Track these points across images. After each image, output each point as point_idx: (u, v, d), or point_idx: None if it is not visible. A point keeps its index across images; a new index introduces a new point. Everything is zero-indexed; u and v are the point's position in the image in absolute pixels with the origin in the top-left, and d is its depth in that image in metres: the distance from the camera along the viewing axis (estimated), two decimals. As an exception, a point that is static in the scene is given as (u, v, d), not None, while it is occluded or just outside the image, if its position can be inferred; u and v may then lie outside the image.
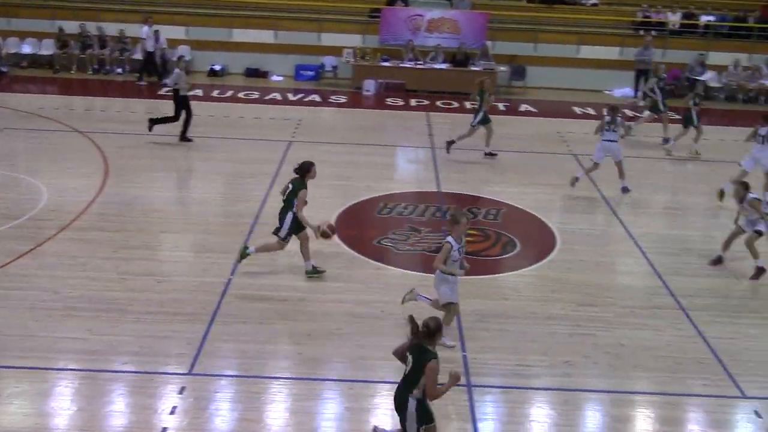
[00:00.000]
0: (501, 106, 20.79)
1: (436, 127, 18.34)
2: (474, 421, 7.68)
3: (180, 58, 17.25)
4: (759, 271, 11.09)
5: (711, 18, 23.46)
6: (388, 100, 21.15)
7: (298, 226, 10.06)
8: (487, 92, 15.62)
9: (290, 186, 10.11)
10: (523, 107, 20.78)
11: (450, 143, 15.83)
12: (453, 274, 8.63)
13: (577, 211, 13.55)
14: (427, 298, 9.09)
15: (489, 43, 22.57)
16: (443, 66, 22.12)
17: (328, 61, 22.77)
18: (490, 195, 13.92)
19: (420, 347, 6.29)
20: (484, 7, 23.30)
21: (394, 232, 12.05)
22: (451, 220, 8.78)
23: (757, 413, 8.05)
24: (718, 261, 11.49)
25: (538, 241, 12.21)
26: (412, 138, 17.63)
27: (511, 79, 22.66)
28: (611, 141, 13.93)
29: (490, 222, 12.73)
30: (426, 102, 20.91)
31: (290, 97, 20.99)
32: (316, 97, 21.08)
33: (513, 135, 17.86)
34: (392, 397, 6.57)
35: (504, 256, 11.56)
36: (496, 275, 10.96)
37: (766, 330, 9.70)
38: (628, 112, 20.56)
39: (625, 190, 14.00)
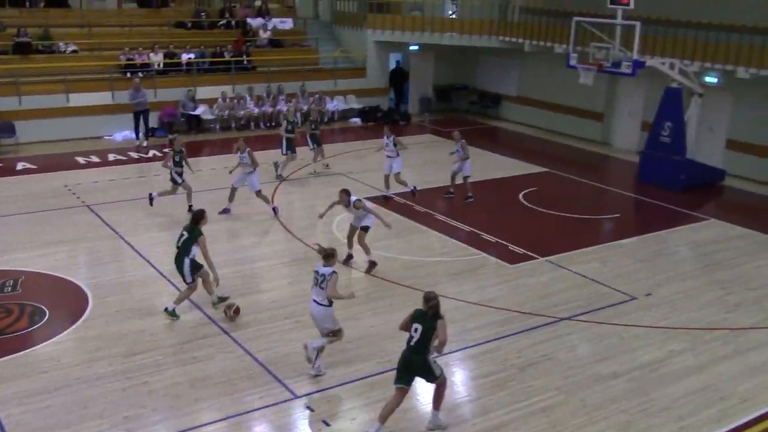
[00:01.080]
0: (-6, 167, 19.05)
1: None
2: None
3: None
4: (371, 265, 12.76)
5: (191, 56, 24.72)
6: None
7: (195, 267, 10.69)
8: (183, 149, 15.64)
9: (185, 234, 10.72)
10: (21, 165, 19.25)
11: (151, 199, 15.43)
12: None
13: (104, 261, 13.11)
14: (320, 344, 9.33)
15: (-39, 101, 20.41)
16: None
17: None
18: (1, 266, 12.63)
19: (428, 316, 7.98)
20: (-53, 62, 20.95)
21: None
22: (328, 254, 9.24)
23: (309, 408, 8.81)
24: (348, 258, 12.97)
25: (69, 302, 11.47)
26: None
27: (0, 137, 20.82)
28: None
29: (10, 295, 11.56)
30: None
31: None
32: None
33: (15, 196, 16.52)
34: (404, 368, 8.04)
35: (33, 328, 10.59)
36: (29, 350, 9.98)
37: (299, 333, 10.44)
38: (134, 155, 20.62)
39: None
